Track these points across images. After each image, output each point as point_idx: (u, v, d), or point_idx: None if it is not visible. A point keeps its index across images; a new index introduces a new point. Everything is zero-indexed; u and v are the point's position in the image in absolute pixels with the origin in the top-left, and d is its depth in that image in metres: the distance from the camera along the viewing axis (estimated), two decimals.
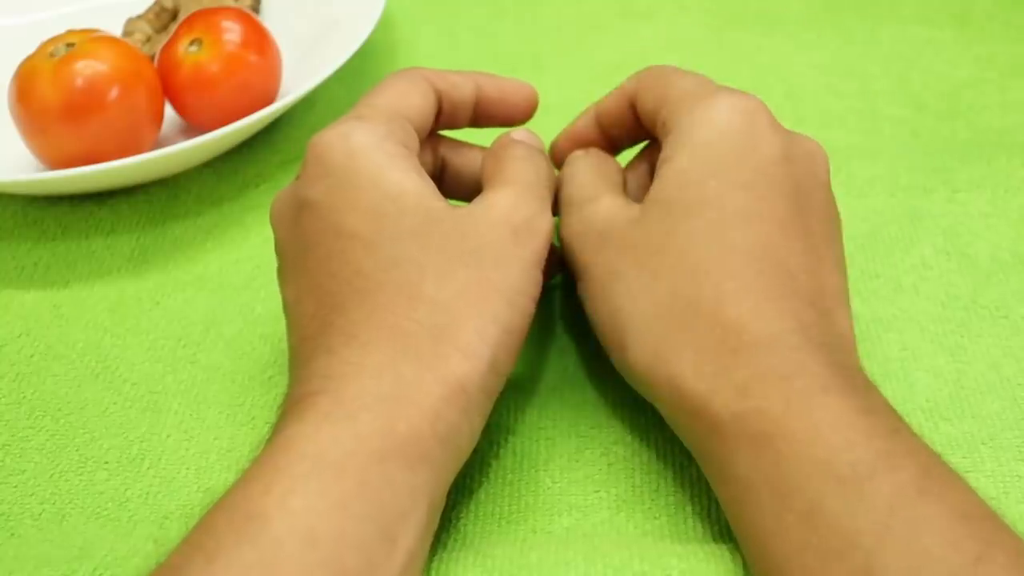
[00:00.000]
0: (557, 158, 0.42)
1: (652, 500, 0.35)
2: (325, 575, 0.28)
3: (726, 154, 0.34)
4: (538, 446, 0.37)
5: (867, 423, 0.29)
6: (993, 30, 0.58)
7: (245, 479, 0.30)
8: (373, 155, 0.34)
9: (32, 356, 0.44)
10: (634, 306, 0.34)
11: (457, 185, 0.40)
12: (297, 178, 0.36)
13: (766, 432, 0.30)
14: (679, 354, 0.32)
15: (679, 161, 0.35)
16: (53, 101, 0.48)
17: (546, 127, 0.43)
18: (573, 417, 0.38)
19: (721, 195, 0.34)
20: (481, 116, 0.41)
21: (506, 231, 0.34)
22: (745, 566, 0.31)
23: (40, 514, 0.37)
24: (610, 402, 0.39)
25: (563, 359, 0.41)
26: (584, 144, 0.41)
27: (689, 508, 0.35)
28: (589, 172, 0.39)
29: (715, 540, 0.34)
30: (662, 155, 0.36)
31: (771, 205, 0.34)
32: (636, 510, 0.35)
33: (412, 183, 0.34)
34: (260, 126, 0.50)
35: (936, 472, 0.28)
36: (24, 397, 0.42)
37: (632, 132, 0.40)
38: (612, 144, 0.41)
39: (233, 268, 0.47)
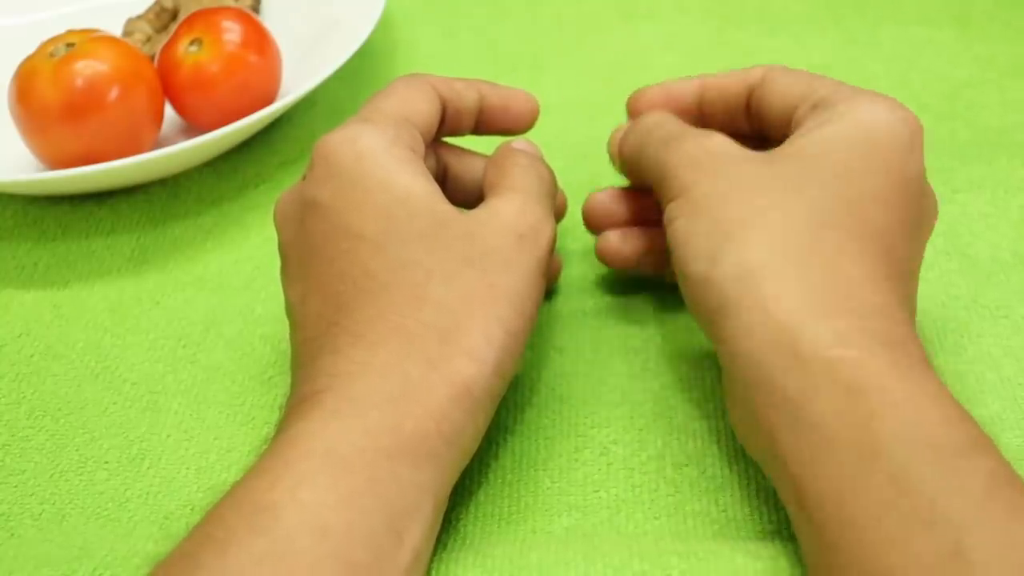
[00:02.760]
0: (640, 106, 0.41)
1: (651, 500, 0.35)
2: (335, 567, 0.28)
3: (878, 146, 0.34)
4: (537, 446, 0.38)
5: (960, 408, 0.29)
6: (993, 30, 0.58)
7: (253, 473, 0.30)
8: (381, 158, 0.35)
9: (32, 356, 0.44)
10: (743, 220, 0.33)
11: (458, 191, 0.40)
12: (303, 179, 0.36)
13: (861, 385, 0.29)
14: (782, 279, 0.31)
15: (828, 129, 0.34)
16: (53, 101, 0.48)
17: (546, 127, 0.43)
18: (572, 417, 0.38)
19: (860, 174, 0.33)
20: (483, 124, 0.41)
21: (511, 237, 0.35)
22: (745, 566, 0.31)
23: (40, 514, 0.37)
24: (608, 402, 0.39)
25: (562, 359, 0.41)
26: (674, 108, 0.40)
27: (688, 508, 0.35)
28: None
29: (715, 539, 0.34)
30: (804, 127, 0.35)
31: (898, 214, 0.33)
32: (635, 510, 0.35)
33: (420, 187, 0.35)
34: (260, 126, 0.50)
35: (1013, 469, 0.28)
36: (24, 397, 0.42)
37: (731, 121, 0.39)
38: (703, 123, 0.40)
39: (233, 268, 0.47)
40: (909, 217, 0.34)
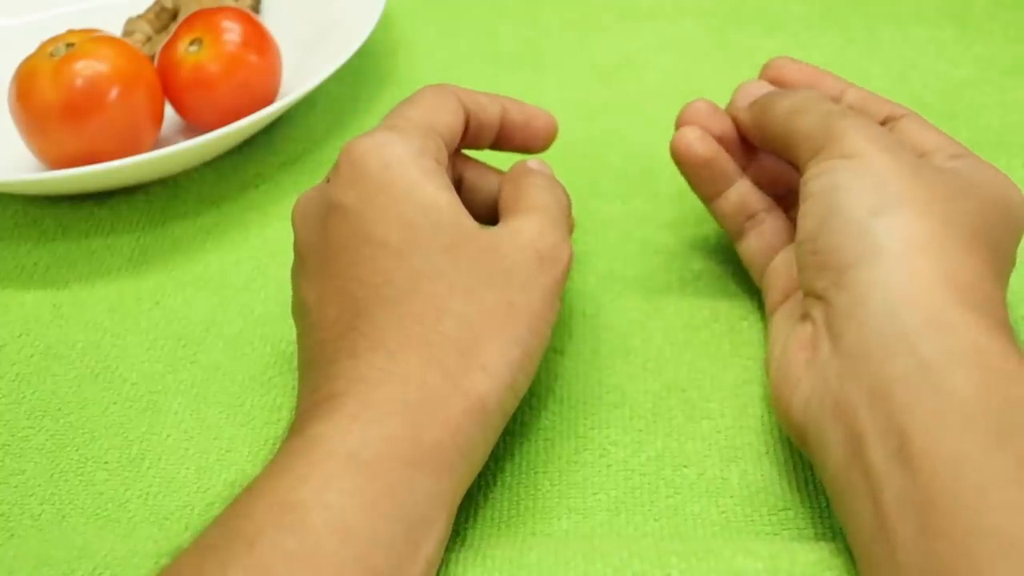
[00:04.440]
0: (783, 75, 0.42)
1: (651, 502, 0.35)
2: (358, 571, 0.29)
3: (1009, 189, 0.36)
4: (536, 448, 0.38)
5: None
6: (993, 30, 0.57)
7: (277, 470, 0.31)
8: (409, 168, 0.35)
9: (32, 356, 0.44)
10: (911, 198, 0.33)
11: (470, 203, 0.40)
12: (326, 180, 0.37)
13: (1007, 373, 0.30)
14: (941, 257, 0.32)
15: (973, 168, 0.36)
16: (53, 101, 0.48)
17: None
18: (571, 418, 0.38)
19: (1000, 212, 0.35)
20: (503, 139, 0.41)
21: (531, 257, 0.35)
22: (744, 566, 0.31)
23: (40, 514, 0.38)
24: (608, 403, 0.39)
25: (562, 360, 0.41)
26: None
27: (688, 509, 0.35)
28: None
29: (714, 540, 0.34)
30: (951, 164, 0.36)
31: (1014, 245, 0.36)
32: (635, 512, 0.35)
33: (445, 200, 0.35)
34: (260, 126, 0.50)
35: None
36: (24, 397, 0.42)
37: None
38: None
39: (233, 268, 0.47)
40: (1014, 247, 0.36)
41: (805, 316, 0.35)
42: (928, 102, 0.53)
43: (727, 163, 0.41)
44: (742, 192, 0.41)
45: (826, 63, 0.56)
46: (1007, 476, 0.28)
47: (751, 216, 0.41)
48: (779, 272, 0.39)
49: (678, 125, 0.41)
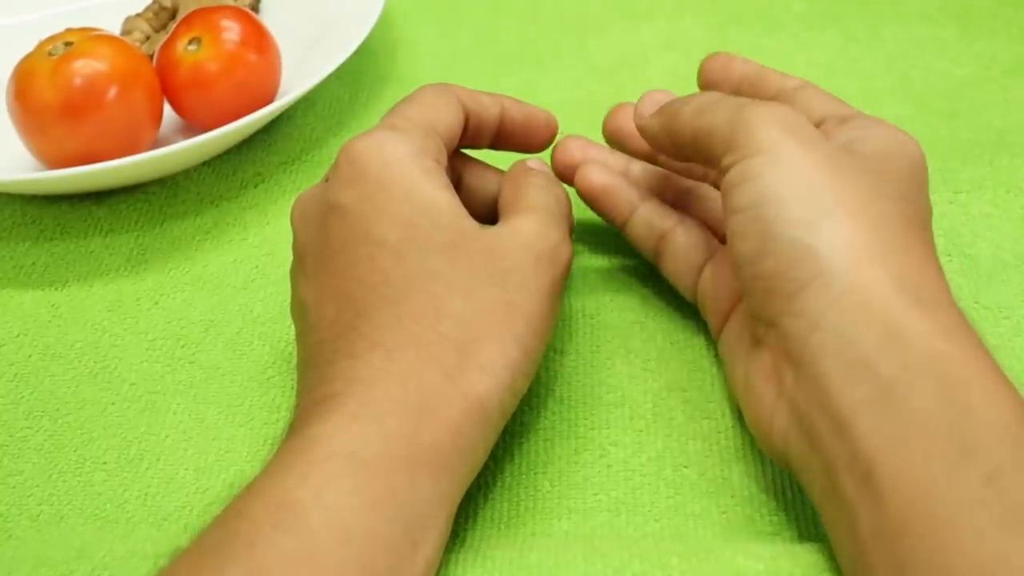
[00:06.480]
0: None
1: (651, 503, 0.35)
2: (357, 571, 0.29)
3: (907, 150, 0.35)
4: (536, 448, 0.37)
5: None
6: (995, 29, 0.57)
7: (276, 470, 0.31)
8: (409, 168, 0.35)
9: (30, 356, 0.44)
10: (840, 197, 0.32)
11: (469, 203, 0.40)
12: (325, 180, 0.37)
13: (964, 380, 0.29)
14: (882, 263, 0.31)
15: (870, 132, 0.35)
16: (51, 100, 0.48)
17: None
18: (571, 418, 0.38)
19: (908, 176, 0.34)
20: (502, 139, 0.41)
21: (530, 256, 0.35)
22: (745, 567, 0.31)
23: (38, 515, 0.37)
24: (608, 403, 0.39)
25: (561, 360, 0.41)
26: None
27: (688, 510, 0.35)
28: None
29: (715, 541, 0.34)
30: (840, 134, 0.35)
31: (929, 215, 0.35)
32: (635, 513, 0.35)
33: (445, 200, 0.35)
34: (259, 125, 0.50)
35: None
36: (22, 397, 0.42)
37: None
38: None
39: (232, 268, 0.47)
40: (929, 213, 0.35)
41: (760, 343, 0.34)
42: (929, 101, 0.53)
43: (626, 189, 0.41)
44: (647, 214, 0.41)
45: (827, 62, 0.56)
46: (973, 498, 0.27)
47: (661, 236, 0.40)
48: (710, 294, 0.39)
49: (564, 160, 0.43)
